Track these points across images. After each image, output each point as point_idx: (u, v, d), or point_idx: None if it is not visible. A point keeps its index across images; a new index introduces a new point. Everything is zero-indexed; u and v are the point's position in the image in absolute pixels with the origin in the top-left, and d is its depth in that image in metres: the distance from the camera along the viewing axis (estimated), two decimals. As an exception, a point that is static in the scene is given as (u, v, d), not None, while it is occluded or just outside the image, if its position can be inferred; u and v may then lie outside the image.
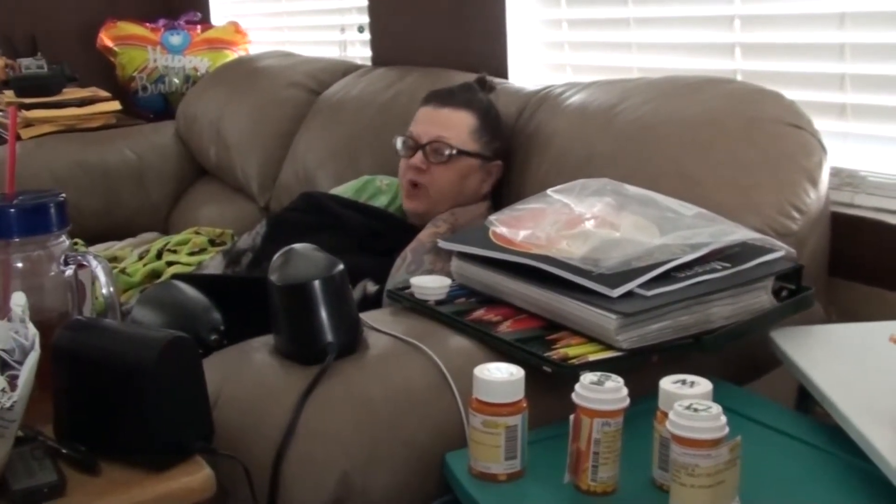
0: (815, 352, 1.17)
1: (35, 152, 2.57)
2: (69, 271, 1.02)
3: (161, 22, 3.34)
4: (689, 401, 0.88)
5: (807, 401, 1.20)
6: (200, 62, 3.25)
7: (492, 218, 1.32)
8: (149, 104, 3.24)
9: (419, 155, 1.69)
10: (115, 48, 3.25)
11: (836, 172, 1.54)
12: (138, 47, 3.25)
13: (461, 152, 1.68)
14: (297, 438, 1.01)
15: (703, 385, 0.95)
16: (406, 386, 1.09)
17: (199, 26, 3.35)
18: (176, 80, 3.23)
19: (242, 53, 3.28)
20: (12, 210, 0.99)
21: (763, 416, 1.10)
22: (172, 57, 3.25)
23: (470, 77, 1.94)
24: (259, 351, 1.16)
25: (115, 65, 3.27)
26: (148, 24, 3.31)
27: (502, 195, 1.74)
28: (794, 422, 1.10)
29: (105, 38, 3.26)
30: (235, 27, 3.36)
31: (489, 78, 1.85)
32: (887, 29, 1.50)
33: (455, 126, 1.69)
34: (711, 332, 1.12)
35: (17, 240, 1.00)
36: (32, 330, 0.85)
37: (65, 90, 2.94)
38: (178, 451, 0.91)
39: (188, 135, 2.79)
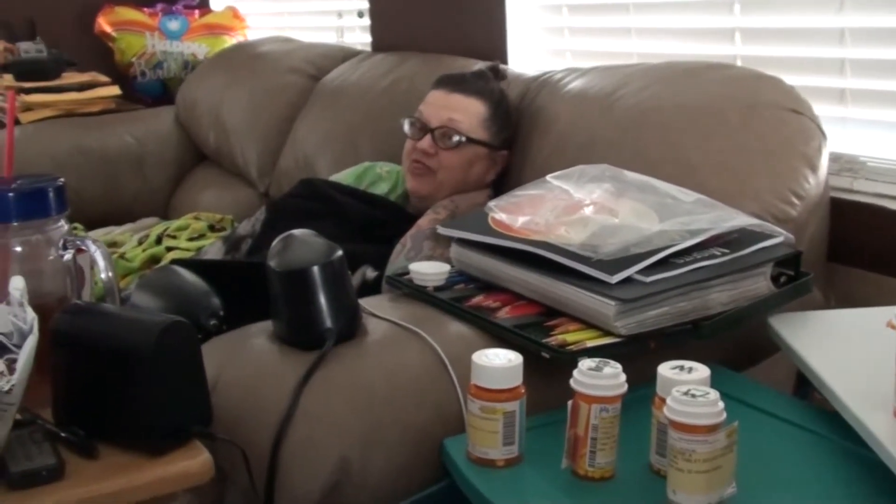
0: (813, 338, 1.17)
1: (34, 137, 2.56)
2: (68, 256, 1.02)
3: (159, 7, 3.33)
4: (687, 386, 0.88)
5: (805, 387, 1.20)
6: (199, 48, 3.24)
7: (491, 204, 1.32)
8: (147, 89, 3.23)
9: (428, 138, 1.68)
10: (114, 33, 3.24)
11: (835, 158, 1.54)
12: (136, 33, 3.24)
13: (470, 140, 1.67)
14: (295, 423, 1.01)
15: (701, 371, 0.95)
16: (404, 371, 1.10)
17: (196, 11, 3.34)
18: (174, 66, 3.22)
19: (241, 39, 3.27)
20: (11, 194, 0.99)
21: (761, 402, 1.10)
22: (171, 42, 3.24)
23: (472, 63, 1.94)
24: (258, 336, 1.17)
25: (113, 50, 3.26)
26: (146, 10, 3.30)
27: (502, 181, 1.73)
28: (791, 407, 1.10)
29: (103, 24, 3.25)
30: (234, 12, 3.35)
31: (502, 66, 1.82)
32: (887, 13, 1.49)
33: (466, 113, 1.68)
34: (710, 319, 1.12)
35: (15, 224, 0.99)
36: (31, 314, 0.86)
37: (64, 75, 2.93)
38: (177, 435, 0.91)
39: (188, 120, 2.78)
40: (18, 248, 1.00)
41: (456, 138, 1.66)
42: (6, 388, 0.80)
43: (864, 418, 0.95)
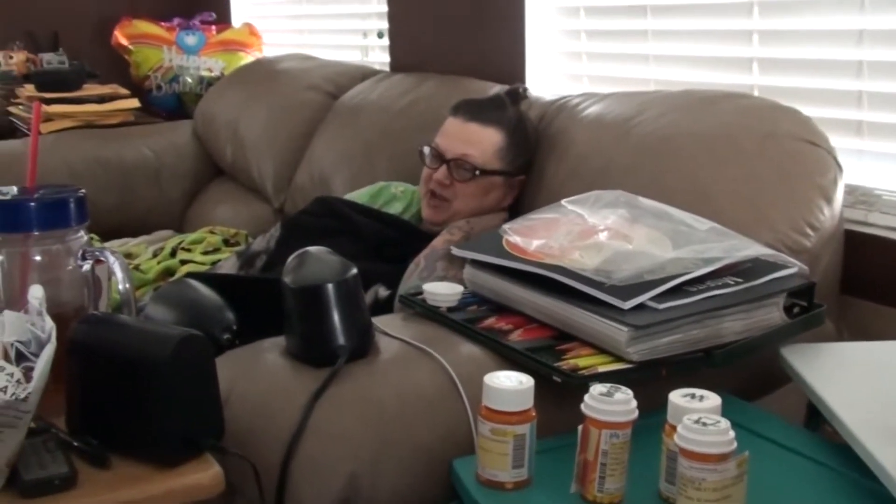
0: (825, 369, 1.17)
1: (53, 147, 2.58)
2: (86, 266, 1.03)
3: (176, 21, 3.35)
4: (698, 415, 0.89)
5: (816, 418, 1.20)
6: (215, 63, 3.27)
7: (505, 227, 1.33)
8: (163, 103, 3.25)
9: (443, 169, 1.69)
10: (130, 46, 3.27)
11: (850, 190, 1.54)
12: (153, 46, 3.27)
13: (485, 172, 1.68)
14: (306, 439, 1.02)
15: (713, 399, 0.95)
16: (416, 391, 1.10)
17: (213, 27, 3.37)
18: (190, 80, 3.25)
19: (257, 55, 3.29)
20: (32, 204, 1.00)
21: (771, 433, 1.10)
22: (187, 57, 3.27)
23: (490, 86, 1.95)
24: (271, 352, 1.17)
25: (129, 62, 3.29)
26: (163, 24, 3.32)
27: (517, 204, 1.74)
28: (802, 439, 1.10)
29: (120, 36, 3.28)
30: (250, 29, 3.38)
31: (522, 88, 1.81)
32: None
33: (481, 144, 1.68)
34: (722, 347, 1.12)
35: (36, 233, 1.00)
36: (49, 323, 0.86)
37: (85, 86, 2.96)
38: (189, 447, 0.91)
39: (205, 134, 2.80)
40: (38, 258, 1.02)
41: (470, 170, 1.67)
42: (22, 395, 0.81)
43: (874, 451, 0.95)
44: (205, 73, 3.24)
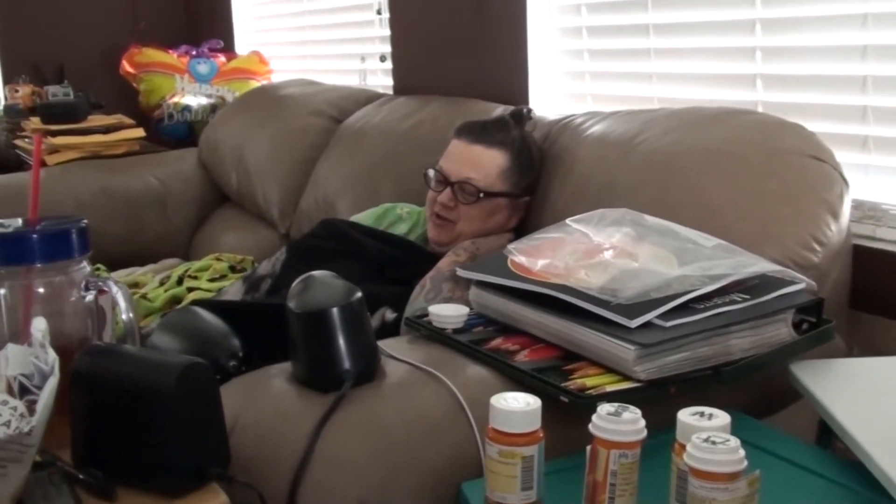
0: (835, 385, 1.16)
1: (60, 178, 2.60)
2: (90, 297, 1.03)
3: (184, 49, 3.37)
4: (708, 433, 0.88)
5: (827, 435, 1.18)
6: (227, 91, 3.28)
7: (510, 247, 1.32)
8: (173, 132, 3.26)
9: (448, 192, 1.70)
10: (140, 75, 3.28)
11: (857, 205, 1.54)
12: (165, 75, 3.28)
13: (489, 194, 1.68)
14: (313, 465, 1.01)
15: (722, 417, 0.94)
16: (423, 414, 1.09)
17: (221, 55, 3.38)
18: (201, 109, 3.25)
19: (266, 83, 3.31)
20: (35, 236, 1.00)
21: (782, 450, 1.09)
22: (199, 86, 3.28)
23: (494, 107, 1.95)
24: (277, 377, 1.17)
25: (138, 91, 3.30)
26: (173, 52, 3.34)
27: (522, 224, 1.74)
28: (813, 456, 1.09)
29: (127, 65, 3.29)
30: (259, 57, 3.40)
31: (526, 110, 1.81)
32: (910, 61, 1.49)
33: (484, 166, 1.69)
34: (730, 365, 1.11)
35: (39, 265, 1.00)
36: (52, 355, 0.86)
37: (90, 117, 2.98)
38: (195, 477, 0.91)
39: (210, 161, 2.81)
40: (41, 290, 1.01)
41: (474, 193, 1.67)
42: (26, 429, 0.80)
43: (887, 468, 0.94)
44: (217, 102, 3.25)
